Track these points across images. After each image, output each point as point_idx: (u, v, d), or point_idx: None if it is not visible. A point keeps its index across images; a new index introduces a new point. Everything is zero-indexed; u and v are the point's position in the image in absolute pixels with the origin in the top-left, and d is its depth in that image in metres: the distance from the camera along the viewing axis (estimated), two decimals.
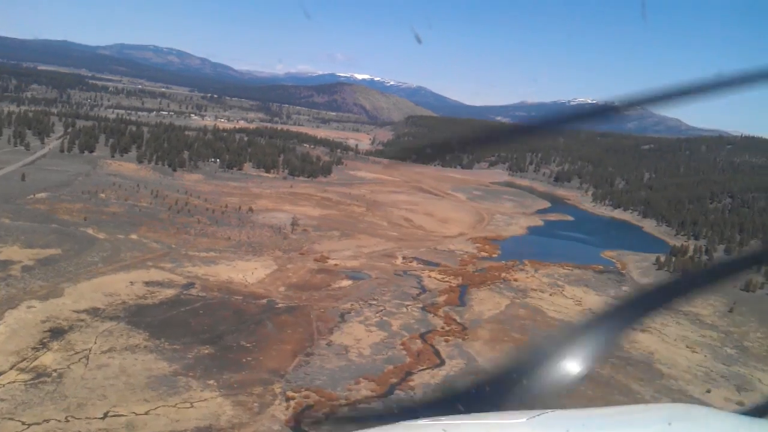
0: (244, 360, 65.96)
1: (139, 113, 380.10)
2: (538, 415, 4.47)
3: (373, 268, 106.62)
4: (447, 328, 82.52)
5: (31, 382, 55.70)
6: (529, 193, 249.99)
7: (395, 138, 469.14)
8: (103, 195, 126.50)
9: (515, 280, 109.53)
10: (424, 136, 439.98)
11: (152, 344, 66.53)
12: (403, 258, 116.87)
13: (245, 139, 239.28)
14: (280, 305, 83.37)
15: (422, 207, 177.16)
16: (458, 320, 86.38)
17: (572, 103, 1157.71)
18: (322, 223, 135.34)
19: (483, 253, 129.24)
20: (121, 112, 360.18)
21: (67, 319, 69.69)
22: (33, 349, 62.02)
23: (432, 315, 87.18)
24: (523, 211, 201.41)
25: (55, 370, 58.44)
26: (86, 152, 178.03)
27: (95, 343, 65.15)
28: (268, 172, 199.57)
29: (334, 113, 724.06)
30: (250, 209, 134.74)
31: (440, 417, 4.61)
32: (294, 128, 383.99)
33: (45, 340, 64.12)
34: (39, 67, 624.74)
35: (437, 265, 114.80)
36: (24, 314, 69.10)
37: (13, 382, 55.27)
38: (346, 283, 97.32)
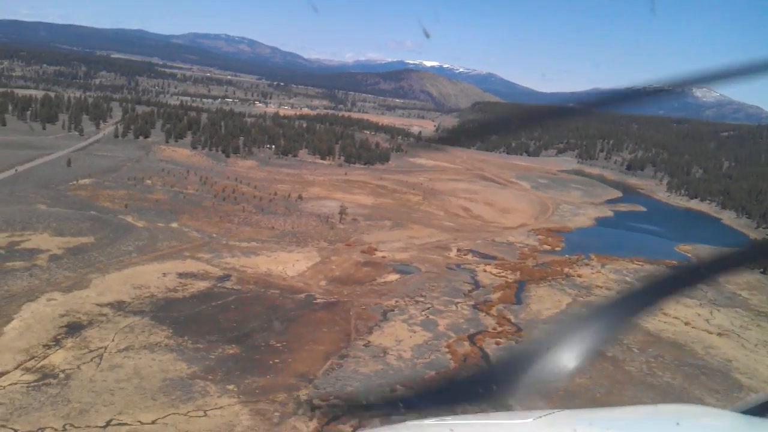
0: (270, 362, 60.30)
1: (204, 100, 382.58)
2: (545, 415, 4.44)
3: (424, 261, 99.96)
4: (499, 329, 75.21)
5: (35, 383, 51.34)
6: (598, 182, 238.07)
7: (460, 125, 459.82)
8: (149, 181, 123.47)
9: (579, 276, 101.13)
10: (489, 123, 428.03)
11: (174, 342, 61.63)
12: (458, 250, 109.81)
13: (304, 125, 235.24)
14: (318, 301, 77.67)
15: (482, 196, 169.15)
16: (512, 320, 78.91)
17: (648, 89, 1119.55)
18: (374, 212, 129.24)
19: (545, 246, 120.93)
20: (186, 99, 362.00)
21: (87, 313, 65.49)
22: (45, 346, 57.85)
23: (484, 314, 79.94)
24: (592, 200, 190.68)
25: (63, 371, 53.99)
26: (141, 138, 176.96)
27: (113, 340, 60.63)
28: (323, 158, 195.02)
29: (400, 100, 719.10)
30: (300, 197, 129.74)
31: (447, 417, 4.74)
32: (356, 115, 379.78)
33: (60, 337, 59.95)
34: (112, 55, 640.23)
35: (494, 258, 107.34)
36: (42, 307, 65.21)
37: (15, 383, 51.00)
38: (392, 277, 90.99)
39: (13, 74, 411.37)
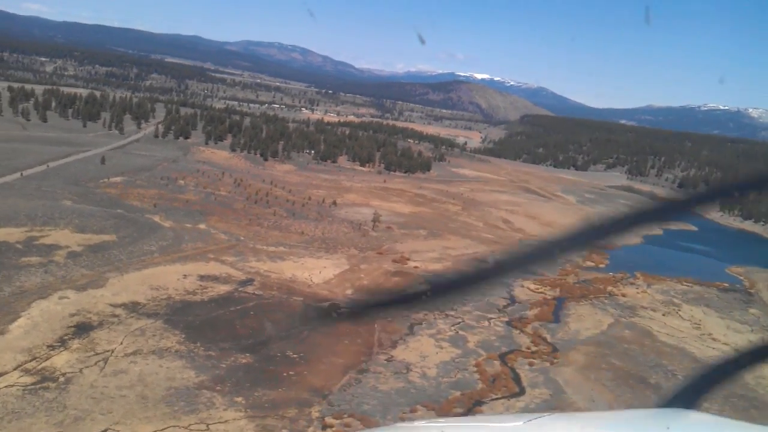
0: (284, 374, 56.66)
1: (251, 105, 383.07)
2: (537, 418, 4.44)
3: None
4: (534, 349, 70.41)
5: (32, 387, 48.56)
6: (648, 199, 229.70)
7: (507, 137, 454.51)
8: (182, 182, 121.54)
9: (623, 295, 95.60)
10: (539, 135, 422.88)
11: (185, 348, 58.45)
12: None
13: (346, 132, 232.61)
14: (342, 310, 73.84)
15: (525, 208, 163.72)
16: (549, 339, 74.05)
17: (703, 108, 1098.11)
18: (410, 220, 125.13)
19: (588, 263, 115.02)
20: (233, 103, 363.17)
21: (99, 313, 62.80)
22: (49, 347, 55.19)
23: (518, 331, 75.25)
24: None
25: (64, 374, 51.17)
26: (181, 138, 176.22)
27: (121, 343, 57.72)
28: (363, 165, 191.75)
29: (448, 111, 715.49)
30: (334, 203, 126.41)
31: (438, 419, 5.26)
32: (402, 124, 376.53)
33: (66, 337, 57.29)
34: (166, 59, 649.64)
35: (534, 273, 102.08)
36: (53, 306, 62.73)
37: (12, 385, 48.30)
38: (424, 288, 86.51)
39: (66, 73, 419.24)
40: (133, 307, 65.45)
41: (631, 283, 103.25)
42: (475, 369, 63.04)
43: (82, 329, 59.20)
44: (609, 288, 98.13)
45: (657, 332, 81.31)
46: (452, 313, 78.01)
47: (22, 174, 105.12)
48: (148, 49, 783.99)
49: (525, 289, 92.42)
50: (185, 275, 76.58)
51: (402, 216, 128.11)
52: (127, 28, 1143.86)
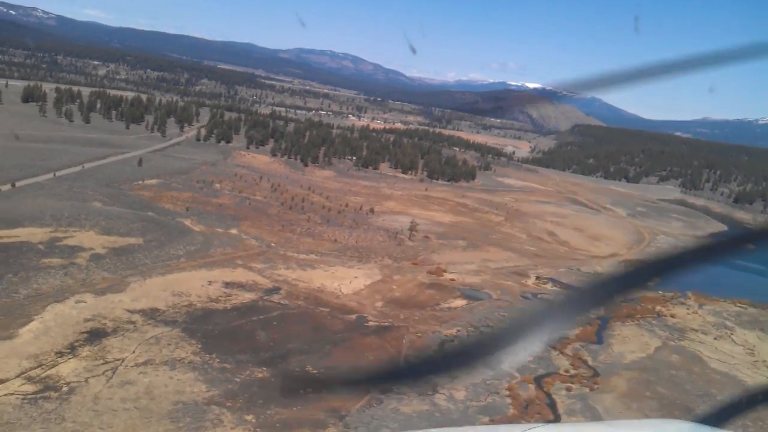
0: (301, 391, 53.06)
1: (298, 111, 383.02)
2: (531, 429, 4.44)
3: (497, 287, 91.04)
4: (573, 372, 65.56)
5: (33, 396, 46.01)
6: (702, 214, 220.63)
7: (557, 147, 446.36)
8: (218, 185, 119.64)
9: (672, 315, 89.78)
10: (589, 146, 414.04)
11: (199, 360, 55.44)
12: (537, 278, 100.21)
13: (391, 138, 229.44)
14: (370, 323, 70.24)
15: (571, 220, 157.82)
16: (590, 362, 69.09)
17: (761, 122, 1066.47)
18: (449, 230, 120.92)
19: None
20: (281, 109, 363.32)
21: (115, 319, 60.31)
22: (57, 353, 52.72)
23: (557, 353, 70.43)
24: (694, 233, 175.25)
25: (68, 383, 48.52)
26: (223, 142, 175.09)
27: (133, 352, 54.99)
28: (405, 173, 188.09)
29: (497, 120, 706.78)
30: (371, 210, 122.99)
31: (435, 429, 5.62)
32: (449, 132, 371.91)
33: (77, 344, 54.79)
34: (218, 66, 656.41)
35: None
36: (68, 310, 60.45)
37: (11, 393, 45.80)
38: (459, 302, 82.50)
39: (117, 77, 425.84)
40: (151, 314, 62.89)
41: (682, 303, 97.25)
42: (507, 392, 58.66)
43: (95, 336, 56.74)
44: (658, 308, 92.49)
45: (707, 358, 75.66)
46: (488, 330, 73.76)
47: (55, 174, 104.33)
48: (202, 56, 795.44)
49: None
50: (210, 282, 73.96)
51: (441, 225, 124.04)
52: (182, 35, 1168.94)
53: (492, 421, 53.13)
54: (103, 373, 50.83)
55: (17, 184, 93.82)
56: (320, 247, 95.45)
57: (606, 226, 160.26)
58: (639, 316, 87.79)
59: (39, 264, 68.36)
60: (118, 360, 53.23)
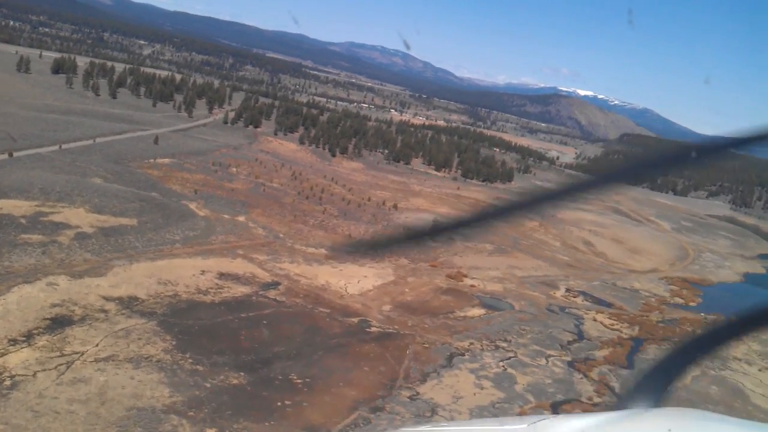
0: (279, 403, 46.54)
1: (339, 102, 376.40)
2: (539, 421, 4.23)
3: (521, 297, 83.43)
4: (597, 401, 57.89)
5: None
6: (752, 233, 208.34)
7: (603, 155, 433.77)
8: (234, 169, 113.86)
9: None
10: (634, 154, 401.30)
11: (169, 359, 49.16)
12: (567, 290, 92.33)
13: (428, 134, 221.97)
14: (372, 329, 63.38)
15: (611, 231, 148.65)
16: (617, 389, 61.22)
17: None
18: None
19: (677, 299, 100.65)
20: (321, 99, 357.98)
21: (86, 306, 54.43)
22: (10, 341, 47.09)
23: (581, 376, 62.84)
24: (742, 253, 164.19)
25: (12, 377, 42.74)
26: (251, 127, 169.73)
27: (97, 345, 48.95)
28: (438, 170, 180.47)
29: (544, 124, 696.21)
30: (395, 206, 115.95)
31: (440, 423, 7.66)
32: (492, 132, 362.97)
33: (35, 331, 48.97)
34: (267, 54, 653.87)
35: (610, 305, 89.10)
36: (36, 292, 54.69)
37: None
38: (476, 311, 75.14)
39: (162, 58, 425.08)
40: (128, 303, 56.93)
41: None
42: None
43: (58, 323, 50.87)
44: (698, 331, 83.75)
45: (750, 391, 67.30)
46: (504, 344, 66.38)
47: (61, 147, 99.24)
48: (253, 44, 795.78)
49: (598, 323, 79.69)
50: (203, 271, 67.89)
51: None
52: (235, 22, 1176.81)
53: None
54: (56, 368, 44.87)
55: (16, 154, 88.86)
56: (332, 241, 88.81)
57: (648, 240, 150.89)
58: (677, 339, 79.33)
59: (16, 239, 62.84)
60: (76, 353, 47.22)
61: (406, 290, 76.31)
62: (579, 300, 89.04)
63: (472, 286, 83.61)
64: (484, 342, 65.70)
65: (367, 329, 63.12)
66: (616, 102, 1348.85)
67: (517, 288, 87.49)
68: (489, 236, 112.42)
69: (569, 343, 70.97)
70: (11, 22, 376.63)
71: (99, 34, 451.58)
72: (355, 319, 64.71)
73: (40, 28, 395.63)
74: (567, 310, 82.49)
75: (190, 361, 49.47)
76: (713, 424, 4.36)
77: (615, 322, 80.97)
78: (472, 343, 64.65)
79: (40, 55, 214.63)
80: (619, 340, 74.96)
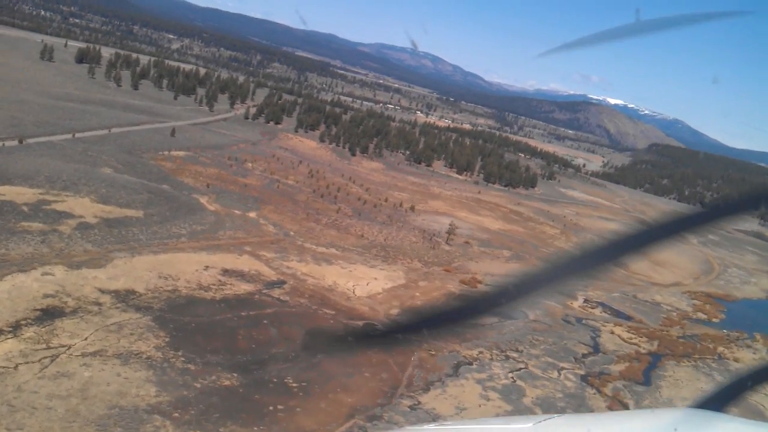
0: (270, 407, 44.25)
1: (364, 102, 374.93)
2: (544, 420, 4.47)
3: (536, 306, 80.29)
4: None
5: None
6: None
7: (631, 164, 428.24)
8: (250, 165, 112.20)
9: (736, 359, 77.86)
10: (665, 166, 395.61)
11: (160, 356, 47.09)
12: (585, 301, 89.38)
13: (452, 137, 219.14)
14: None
15: None
16: (630, 407, 58.22)
17: None
18: (495, 238, 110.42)
19: (699, 314, 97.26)
20: (347, 98, 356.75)
21: (80, 298, 52.56)
22: None
23: (594, 391, 59.87)
24: None
25: None
26: (272, 123, 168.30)
27: (86, 339, 47.00)
28: (460, 173, 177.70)
29: (572, 132, 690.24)
30: (412, 208, 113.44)
31: (445, 422, 7.58)
32: (518, 137, 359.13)
33: (24, 322, 47.13)
34: (296, 52, 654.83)
35: (629, 318, 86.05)
36: (30, 282, 52.95)
37: None
38: (488, 319, 72.19)
39: (190, 52, 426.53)
40: (125, 296, 55.00)
41: (748, 346, 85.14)
42: None
43: (49, 315, 49.01)
44: (720, 349, 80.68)
45: None
46: (515, 355, 63.67)
47: (74, 135, 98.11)
48: (283, 43, 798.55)
49: (615, 336, 76.69)
50: (207, 267, 65.89)
51: (487, 232, 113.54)
52: (266, 20, 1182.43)
53: None
54: (39, 361, 42.97)
55: (27, 141, 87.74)
56: (344, 241, 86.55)
57: (672, 252, 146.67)
58: (697, 356, 76.34)
59: (16, 227, 61.29)
60: (63, 346, 45.32)
61: (417, 294, 73.82)
62: (597, 311, 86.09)
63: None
64: (494, 351, 63.08)
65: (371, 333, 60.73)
66: (646, 112, 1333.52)
67: None
68: (507, 242, 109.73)
69: (584, 356, 68.12)
70: (42, 12, 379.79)
71: (129, 26, 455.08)
72: (360, 323, 62.36)
73: (71, 19, 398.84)
74: (584, 322, 79.61)
75: (182, 359, 47.39)
76: (719, 423, 4.66)
77: (633, 336, 77.97)
78: (481, 352, 62.06)
79: (65, 45, 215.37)
80: (636, 354, 71.94)
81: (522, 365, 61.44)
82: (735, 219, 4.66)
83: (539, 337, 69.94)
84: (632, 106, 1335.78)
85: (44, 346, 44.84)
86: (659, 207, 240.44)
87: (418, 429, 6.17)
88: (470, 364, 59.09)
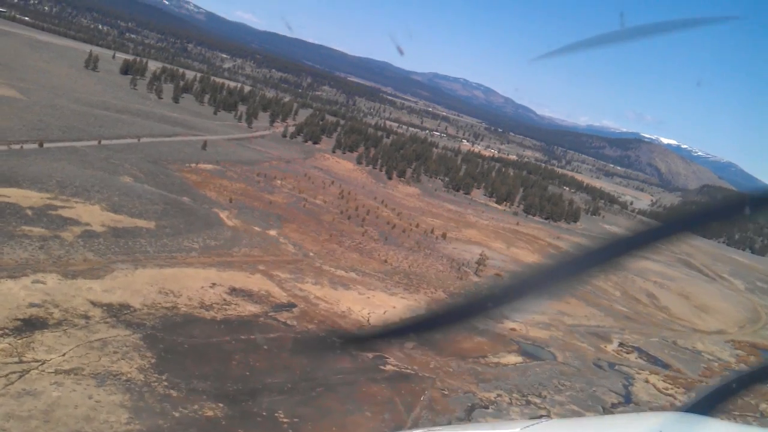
0: None
1: (410, 128, 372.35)
2: (533, 425, 4.43)
3: (566, 347, 75.13)
4: None
5: None
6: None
7: (680, 204, 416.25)
8: (279, 182, 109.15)
9: None
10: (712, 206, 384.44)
11: (142, 379, 43.21)
12: (620, 344, 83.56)
13: (495, 166, 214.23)
14: (387, 367, 56.30)
15: (679, 284, 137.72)
16: None
17: None
18: None
19: (743, 366, 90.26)
20: (393, 124, 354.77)
21: (68, 310, 49.17)
22: None
23: None
24: None
25: None
26: (310, 143, 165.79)
27: (64, 354, 43.44)
28: (499, 203, 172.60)
29: (621, 169, 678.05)
30: (443, 235, 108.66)
31: (435, 427, 5.31)
32: (563, 171, 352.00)
33: (1, 333, 43.63)
34: (349, 78, 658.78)
35: (666, 366, 79.85)
36: (18, 289, 49.82)
37: None
38: (512, 358, 67.30)
39: (241, 72, 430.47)
40: (117, 311, 51.47)
41: None
42: None
43: (30, 326, 45.64)
44: (763, 406, 73.88)
45: None
46: (537, 400, 58.33)
47: (100, 142, 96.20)
48: (336, 68, 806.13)
49: (650, 386, 70.74)
50: (214, 284, 62.24)
51: (521, 265, 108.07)
52: (322, 45, 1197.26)
53: None
54: (6, 375, 39.42)
55: (48, 145, 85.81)
56: (365, 265, 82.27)
57: (718, 298, 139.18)
58: (737, 412, 69.68)
59: (15, 231, 58.51)
60: (37, 361, 41.77)
61: None
62: (632, 357, 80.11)
63: (513, 329, 75.71)
64: (514, 395, 57.92)
65: (382, 366, 56.13)
66: (699, 153, 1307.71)
67: (564, 337, 79.14)
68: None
69: (613, 405, 62.48)
70: (99, 26, 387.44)
71: (183, 44, 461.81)
72: (371, 355, 57.75)
73: (127, 34, 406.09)
74: (617, 367, 73.81)
75: (165, 384, 43.43)
76: (703, 426, 4.65)
77: (670, 386, 71.94)
78: (499, 395, 56.99)
79: (114, 56, 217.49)
80: (671, 407, 65.78)
81: (544, 412, 56.17)
82: (717, 225, 4.36)
83: (566, 381, 64.54)
84: (685, 146, 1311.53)
85: (16, 359, 41.37)
86: (706, 250, 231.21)
87: None
88: (486, 407, 54.09)
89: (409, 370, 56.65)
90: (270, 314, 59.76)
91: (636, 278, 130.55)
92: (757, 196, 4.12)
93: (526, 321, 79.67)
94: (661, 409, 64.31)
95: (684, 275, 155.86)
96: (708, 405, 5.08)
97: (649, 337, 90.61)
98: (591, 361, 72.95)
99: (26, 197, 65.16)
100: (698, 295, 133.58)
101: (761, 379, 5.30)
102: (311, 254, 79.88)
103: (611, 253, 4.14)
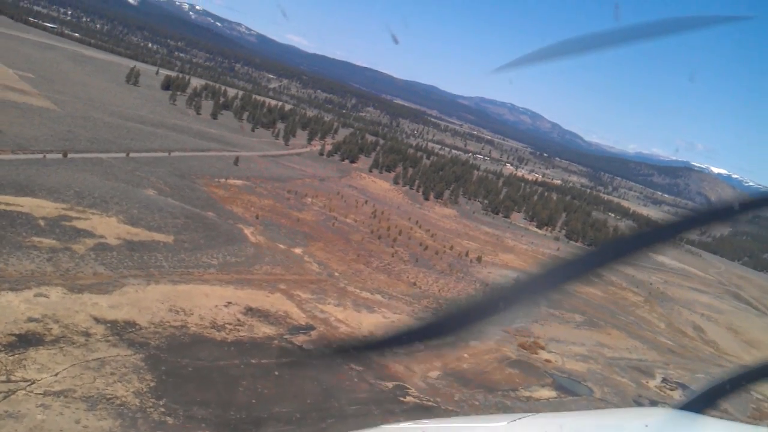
0: None
1: (453, 151, 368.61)
2: (519, 419, 4.45)
3: (605, 382, 70.21)
4: None
5: None
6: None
7: (731, 234, 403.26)
8: (309, 200, 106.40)
9: None
10: (764, 238, 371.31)
11: (137, 404, 40.18)
12: (663, 380, 78.23)
13: (538, 190, 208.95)
14: (408, 399, 52.35)
15: (727, 318, 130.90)
16: None
17: None
18: (568, 300, 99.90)
19: None
20: (436, 146, 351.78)
21: (68, 326, 46.55)
22: None
23: None
24: None
25: None
26: (347, 161, 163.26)
27: (56, 374, 40.68)
28: (540, 227, 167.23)
29: (670, 197, 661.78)
30: (478, 259, 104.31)
31: (422, 420, 4.79)
32: (609, 197, 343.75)
33: None
34: (395, 100, 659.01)
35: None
36: (18, 303, 47.45)
37: None
38: (545, 392, 62.76)
39: (287, 92, 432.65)
40: (122, 329, 48.68)
41: None
42: None
43: (25, 342, 43.10)
44: None
45: None
46: None
47: (128, 154, 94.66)
48: (382, 90, 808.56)
49: None
50: (229, 302, 59.22)
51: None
52: (369, 68, 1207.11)
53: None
54: None
55: (73, 155, 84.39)
56: (392, 288, 78.52)
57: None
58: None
59: (25, 241, 56.39)
60: (26, 381, 39.06)
61: (465, 356, 64.81)
62: (676, 394, 74.64)
63: (548, 360, 71.03)
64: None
65: (402, 398, 52.20)
66: (751, 183, 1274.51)
67: (603, 370, 74.12)
68: (581, 305, 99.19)
69: None
70: (149, 44, 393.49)
71: (231, 64, 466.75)
72: (390, 384, 53.93)
73: (176, 53, 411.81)
74: (659, 406, 68.32)
75: (162, 410, 40.30)
76: (691, 423, 4.62)
77: None
78: None
79: (157, 72, 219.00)
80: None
81: None
82: (711, 227, 4.49)
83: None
84: (736, 176, 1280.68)
85: (4, 378, 38.70)
86: (758, 282, 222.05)
87: (395, 428, 5.02)
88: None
89: (431, 402, 52.67)
90: (285, 337, 56.53)
91: (683, 310, 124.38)
92: (746, 200, 4.12)
93: (563, 352, 75.00)
94: None
95: (733, 308, 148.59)
96: (702, 403, 4.95)
97: (695, 373, 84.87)
98: (631, 397, 67.96)
99: (40, 207, 63.25)
100: (748, 329, 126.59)
101: (755, 378, 5.08)
102: (336, 274, 76.57)
103: (611, 254, 4.03)
